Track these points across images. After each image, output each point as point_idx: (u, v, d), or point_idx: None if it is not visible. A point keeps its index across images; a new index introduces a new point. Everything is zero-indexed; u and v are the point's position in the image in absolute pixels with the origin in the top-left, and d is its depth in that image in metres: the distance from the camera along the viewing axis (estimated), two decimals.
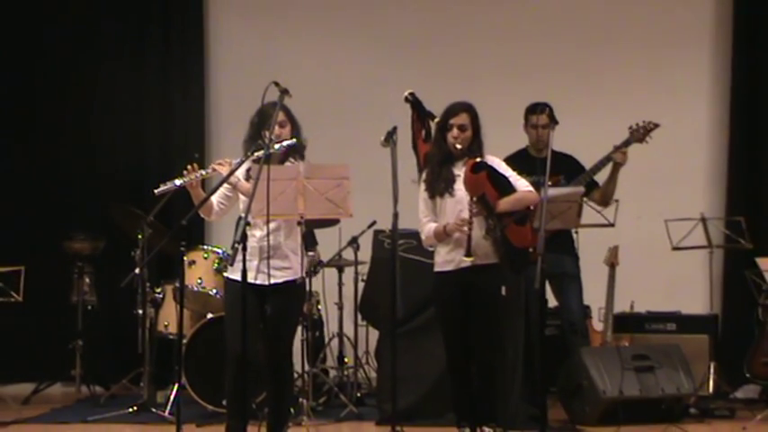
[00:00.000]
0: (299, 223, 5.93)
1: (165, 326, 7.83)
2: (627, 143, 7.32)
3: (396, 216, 6.12)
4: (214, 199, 6.04)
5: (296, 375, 6.96)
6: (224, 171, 5.93)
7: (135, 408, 7.56)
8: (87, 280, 8.58)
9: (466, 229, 6.03)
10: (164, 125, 9.25)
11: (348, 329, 8.30)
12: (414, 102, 7.01)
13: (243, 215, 5.58)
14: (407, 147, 6.85)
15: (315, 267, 7.79)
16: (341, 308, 8.31)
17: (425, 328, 7.00)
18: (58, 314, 8.67)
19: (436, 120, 6.48)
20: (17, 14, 9.18)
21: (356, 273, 8.12)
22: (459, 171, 6.18)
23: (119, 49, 9.25)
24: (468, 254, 6.02)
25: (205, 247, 7.79)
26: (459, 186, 6.16)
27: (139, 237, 7.64)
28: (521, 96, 7.77)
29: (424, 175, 6.37)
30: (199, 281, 7.55)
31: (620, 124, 7.45)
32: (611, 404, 6.97)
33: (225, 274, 6.18)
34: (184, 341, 7.22)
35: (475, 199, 6.05)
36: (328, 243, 8.06)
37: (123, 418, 7.46)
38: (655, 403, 7.10)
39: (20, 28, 9.18)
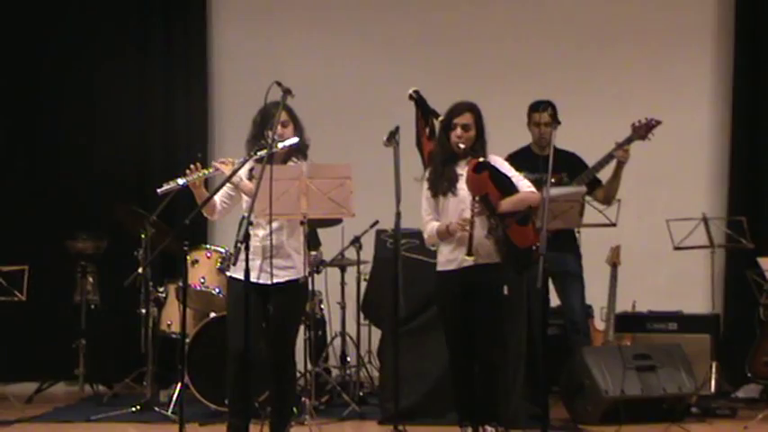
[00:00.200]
0: (301, 223, 5.92)
1: (168, 325, 7.84)
2: (629, 140, 7.30)
3: (398, 215, 6.15)
4: (217, 198, 6.05)
5: (298, 374, 6.96)
6: (226, 170, 5.93)
7: (138, 407, 7.55)
8: (90, 279, 8.59)
9: (468, 228, 6.03)
10: (167, 125, 9.26)
11: (351, 329, 8.30)
12: (418, 99, 7.03)
13: (246, 214, 5.58)
14: (410, 146, 6.85)
15: (317, 267, 7.78)
16: (343, 307, 8.32)
17: (428, 328, 6.99)
18: (61, 313, 8.68)
19: (440, 119, 6.48)
20: (21, 15, 9.19)
21: (359, 272, 8.13)
22: (462, 170, 6.18)
23: (122, 49, 9.23)
24: (469, 253, 6.02)
25: (208, 246, 7.80)
26: (462, 186, 6.16)
27: (142, 236, 7.65)
28: (523, 95, 7.77)
29: (426, 174, 6.38)
30: (202, 280, 7.55)
31: (621, 123, 7.44)
32: (613, 403, 6.97)
33: (228, 274, 6.18)
34: (187, 340, 7.21)
35: (477, 198, 6.05)
36: (331, 242, 8.05)
37: (126, 417, 7.45)
38: (656, 402, 7.10)
39: (24, 28, 9.18)
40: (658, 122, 7.29)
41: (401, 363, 6.34)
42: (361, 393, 7.92)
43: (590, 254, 7.59)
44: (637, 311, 8.23)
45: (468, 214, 6.06)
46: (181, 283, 6.88)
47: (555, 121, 7.04)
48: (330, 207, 5.90)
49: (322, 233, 7.96)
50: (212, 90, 9.36)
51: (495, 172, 6.15)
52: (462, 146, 6.20)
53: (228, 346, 5.92)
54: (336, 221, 7.59)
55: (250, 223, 5.57)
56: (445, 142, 6.29)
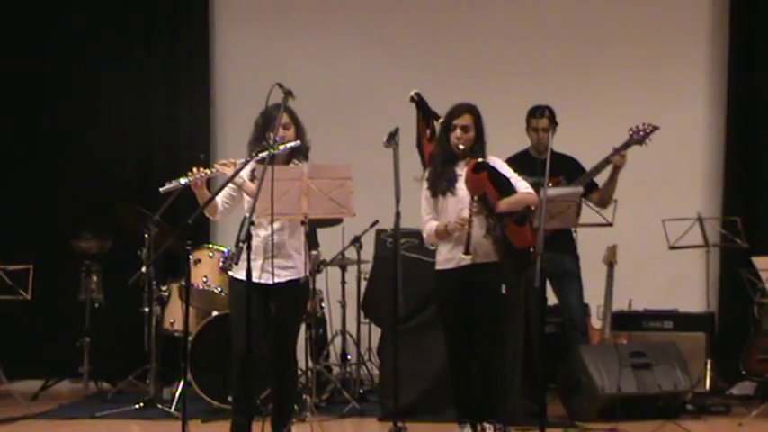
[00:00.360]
0: (302, 223, 5.91)
1: (171, 323, 7.86)
2: (626, 145, 7.31)
3: (398, 215, 6.13)
4: (219, 199, 6.05)
5: (300, 372, 6.94)
6: (228, 171, 5.94)
7: (141, 404, 7.58)
8: (95, 278, 8.62)
9: (466, 227, 6.04)
10: (169, 126, 9.28)
11: (351, 327, 8.32)
12: (419, 102, 7.04)
13: (247, 215, 5.60)
14: (409, 147, 6.85)
15: (318, 266, 7.78)
16: (344, 306, 8.33)
17: (427, 326, 7.01)
18: (65, 312, 8.71)
19: (440, 120, 6.49)
20: (24, 15, 9.22)
21: (359, 271, 8.15)
22: (462, 171, 6.18)
23: (126, 51, 9.26)
24: (466, 252, 6.03)
25: (210, 245, 7.79)
26: (461, 186, 6.17)
27: (146, 236, 7.66)
28: (521, 96, 7.81)
29: (426, 174, 6.39)
30: (204, 279, 7.56)
31: (617, 124, 7.47)
32: (610, 400, 6.99)
33: (230, 273, 6.16)
34: (190, 338, 7.26)
35: (476, 198, 6.06)
36: (331, 242, 8.06)
37: (130, 414, 7.47)
38: (652, 400, 7.12)
39: (27, 28, 9.21)
40: (655, 128, 7.30)
41: (401, 360, 6.33)
42: (361, 391, 7.94)
43: (587, 253, 7.60)
44: (633, 310, 8.22)
45: (466, 214, 6.07)
46: (183, 283, 6.85)
47: (553, 123, 7.05)
48: (331, 207, 5.89)
49: (323, 232, 7.94)
50: (214, 91, 9.37)
51: (493, 172, 6.17)
52: (462, 147, 6.21)
53: (231, 345, 5.93)
54: (337, 221, 7.58)
55: (252, 223, 5.59)
56: (445, 143, 6.30)
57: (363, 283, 7.96)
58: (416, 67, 8.94)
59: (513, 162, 6.73)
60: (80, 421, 7.42)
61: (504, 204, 6.14)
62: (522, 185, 6.28)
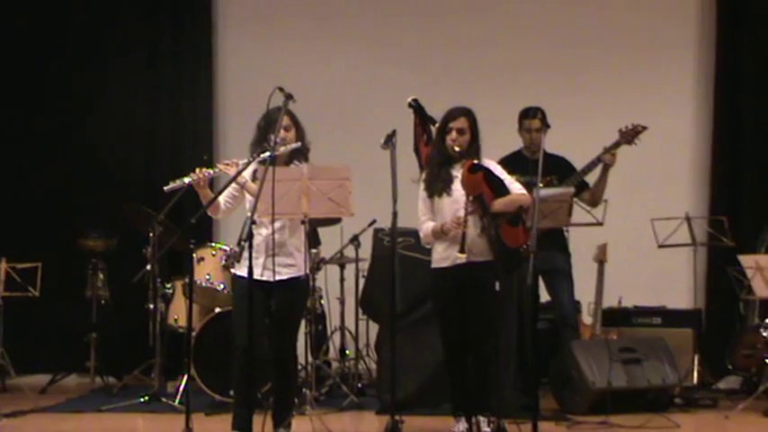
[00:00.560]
0: (302, 222, 5.94)
1: (175, 320, 7.91)
2: (616, 145, 7.34)
3: (395, 215, 6.15)
4: (221, 198, 6.07)
5: (300, 367, 7.00)
6: (230, 171, 5.99)
7: (146, 397, 7.64)
8: (101, 276, 8.67)
9: (461, 227, 6.09)
10: (173, 127, 9.32)
11: (349, 323, 8.39)
12: (416, 107, 7.06)
13: (249, 214, 5.67)
14: (406, 148, 6.83)
15: (318, 264, 7.84)
16: (343, 302, 8.41)
17: (423, 322, 7.07)
18: (73, 308, 8.75)
19: (437, 124, 6.54)
20: (29, 17, 9.25)
21: (357, 269, 8.20)
22: (457, 173, 6.25)
23: (131, 53, 9.30)
24: (461, 250, 6.08)
25: (213, 244, 7.83)
26: (457, 187, 6.24)
27: (150, 234, 7.69)
28: (513, 99, 7.85)
29: (423, 176, 6.45)
30: (207, 276, 7.61)
31: (606, 125, 7.50)
32: (600, 394, 7.05)
33: (232, 271, 6.22)
34: (193, 334, 7.26)
35: (471, 198, 6.13)
36: (331, 241, 8.11)
37: (135, 408, 7.53)
38: (641, 394, 7.20)
39: (32, 30, 9.23)
40: (644, 128, 7.33)
41: (398, 356, 6.32)
42: (359, 385, 8.01)
43: (578, 252, 7.65)
44: (623, 307, 8.27)
45: (461, 214, 6.14)
46: (187, 280, 6.89)
47: (545, 125, 7.07)
48: (330, 207, 5.90)
49: (322, 231, 8.00)
50: (217, 93, 9.41)
51: (488, 174, 6.24)
52: (457, 149, 6.27)
53: (233, 340, 5.95)
54: (336, 221, 7.67)
55: (253, 222, 5.66)
56: (441, 145, 6.36)
57: (362, 281, 7.94)
58: (413, 70, 8.99)
59: (506, 162, 6.80)
60: (87, 414, 7.47)
61: (499, 204, 6.22)
62: (515, 187, 6.34)
